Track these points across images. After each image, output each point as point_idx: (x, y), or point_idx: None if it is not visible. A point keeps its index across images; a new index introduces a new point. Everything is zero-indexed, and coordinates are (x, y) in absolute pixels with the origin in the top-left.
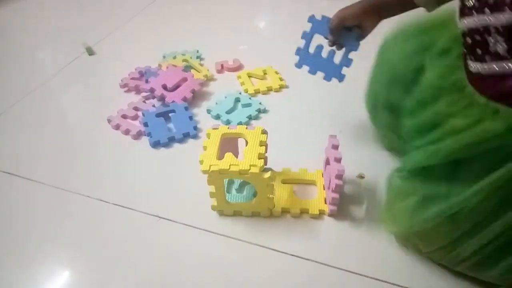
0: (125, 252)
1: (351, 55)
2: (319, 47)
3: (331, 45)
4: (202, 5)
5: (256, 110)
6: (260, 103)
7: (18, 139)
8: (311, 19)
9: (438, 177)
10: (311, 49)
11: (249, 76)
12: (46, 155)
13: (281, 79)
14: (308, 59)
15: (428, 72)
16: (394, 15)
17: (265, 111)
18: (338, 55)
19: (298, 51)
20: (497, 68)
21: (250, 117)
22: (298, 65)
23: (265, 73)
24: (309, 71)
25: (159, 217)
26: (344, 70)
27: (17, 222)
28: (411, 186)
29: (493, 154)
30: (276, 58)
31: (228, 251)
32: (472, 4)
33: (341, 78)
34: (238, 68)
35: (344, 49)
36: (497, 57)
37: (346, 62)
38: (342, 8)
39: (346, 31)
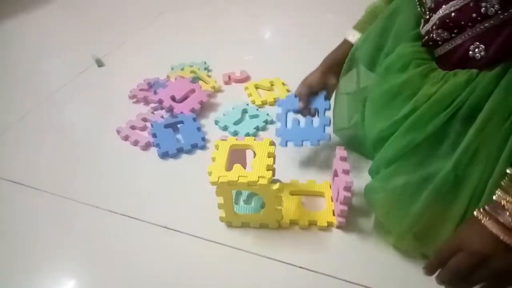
0: (133, 263)
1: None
2: (295, 121)
3: (305, 115)
4: (209, 17)
5: (263, 121)
6: (267, 114)
7: (28, 149)
8: (279, 102)
9: (421, 160)
10: (289, 124)
11: (256, 88)
12: (55, 166)
13: (288, 91)
14: (289, 135)
15: (401, 46)
16: None
17: (272, 122)
18: (315, 120)
19: (278, 132)
20: (448, 46)
21: (257, 128)
22: (282, 144)
23: (272, 84)
24: (295, 145)
25: (167, 228)
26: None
27: (26, 231)
28: (396, 183)
29: (461, 119)
30: (283, 70)
31: (236, 262)
32: (427, 17)
33: (326, 137)
34: (245, 79)
35: (318, 112)
36: (446, 40)
37: (326, 121)
38: (305, 78)
39: (314, 96)
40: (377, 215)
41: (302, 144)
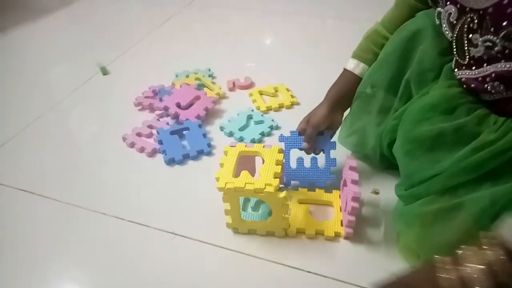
0: (140, 269)
1: (332, 154)
2: (300, 159)
3: (309, 153)
4: (213, 24)
5: (268, 127)
6: (272, 120)
7: (34, 157)
8: (282, 138)
9: (460, 191)
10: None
11: (261, 94)
12: (62, 173)
13: (292, 96)
14: (294, 175)
15: (442, 86)
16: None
17: (277, 127)
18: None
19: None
20: (502, 95)
21: (262, 134)
22: (287, 183)
23: (276, 91)
24: (300, 186)
25: (175, 234)
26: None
27: (31, 238)
28: (429, 208)
29: None
30: (287, 76)
31: (243, 267)
32: (465, 62)
33: (333, 179)
34: (249, 86)
35: (322, 151)
36: (500, 92)
37: (331, 162)
38: (310, 116)
39: (319, 135)
40: (408, 240)
41: (306, 185)
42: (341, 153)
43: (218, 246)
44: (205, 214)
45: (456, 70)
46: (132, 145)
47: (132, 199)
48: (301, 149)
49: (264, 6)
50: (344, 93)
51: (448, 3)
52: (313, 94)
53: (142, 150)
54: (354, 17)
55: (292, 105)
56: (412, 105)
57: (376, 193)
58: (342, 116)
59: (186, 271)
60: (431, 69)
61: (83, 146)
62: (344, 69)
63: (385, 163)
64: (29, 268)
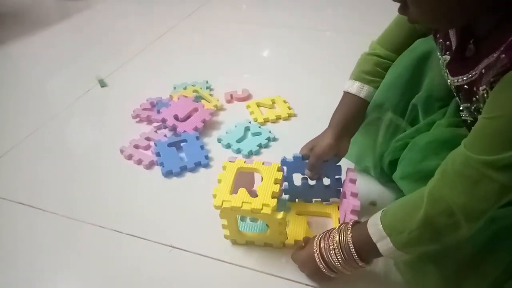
0: (139, 282)
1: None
2: (305, 178)
3: (313, 179)
4: (211, 37)
5: (266, 139)
6: (269, 132)
7: (32, 169)
8: (284, 162)
9: None
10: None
11: (258, 106)
12: (59, 186)
13: (289, 108)
14: (298, 193)
15: (451, 124)
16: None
17: (275, 139)
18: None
19: (286, 190)
20: None
21: (260, 146)
22: (291, 200)
23: (273, 102)
24: (305, 202)
25: (173, 246)
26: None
27: (29, 252)
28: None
29: None
30: (284, 88)
31: (242, 280)
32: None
33: (338, 195)
34: (247, 97)
35: (327, 175)
36: None
37: (338, 184)
38: (315, 144)
39: (324, 162)
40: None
41: (312, 201)
42: (341, 163)
43: (216, 259)
44: (203, 227)
45: (461, 108)
46: (129, 157)
47: (130, 212)
48: (304, 174)
49: (261, 19)
50: (350, 119)
51: (445, 53)
52: (310, 106)
53: (139, 162)
54: (351, 30)
55: (289, 116)
56: (420, 137)
57: (374, 205)
58: (349, 142)
59: (184, 284)
60: (439, 98)
61: (81, 159)
62: (346, 92)
63: (385, 177)
64: (27, 281)
